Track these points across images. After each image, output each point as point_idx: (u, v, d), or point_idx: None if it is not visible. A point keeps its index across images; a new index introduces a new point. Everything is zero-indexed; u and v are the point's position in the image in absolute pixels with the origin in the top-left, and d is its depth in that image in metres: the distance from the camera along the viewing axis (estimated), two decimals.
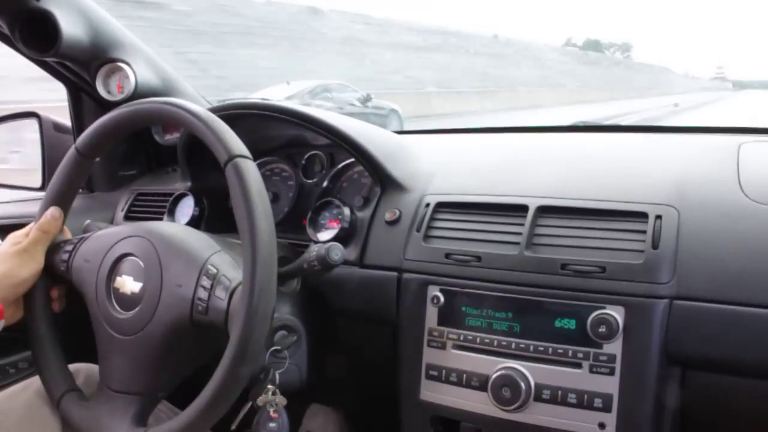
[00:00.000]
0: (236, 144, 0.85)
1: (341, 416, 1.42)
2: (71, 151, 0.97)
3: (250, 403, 0.99)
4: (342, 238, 1.13)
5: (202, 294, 0.84)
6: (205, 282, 0.85)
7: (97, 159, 0.99)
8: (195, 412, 0.79)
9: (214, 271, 0.86)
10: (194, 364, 0.94)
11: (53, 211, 0.97)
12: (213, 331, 0.84)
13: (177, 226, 1.00)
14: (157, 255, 0.89)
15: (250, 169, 0.83)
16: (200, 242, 0.92)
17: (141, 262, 0.90)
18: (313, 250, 0.95)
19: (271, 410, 0.97)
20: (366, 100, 13.23)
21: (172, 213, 1.34)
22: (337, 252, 0.94)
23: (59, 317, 0.98)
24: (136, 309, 0.88)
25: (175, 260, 0.88)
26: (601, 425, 0.91)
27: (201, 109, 0.88)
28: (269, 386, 0.97)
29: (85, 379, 1.00)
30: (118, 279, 0.91)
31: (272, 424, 0.97)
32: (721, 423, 0.95)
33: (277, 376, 0.99)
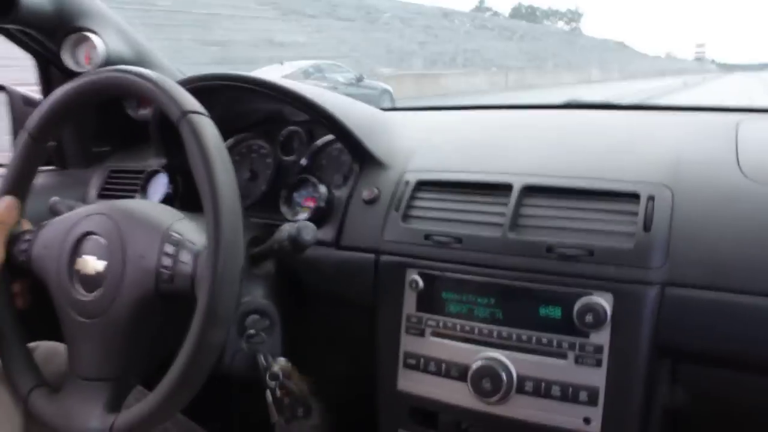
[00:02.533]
0: (189, 100, 0.81)
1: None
2: (22, 135, 0.91)
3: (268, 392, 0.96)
4: (318, 217, 1.08)
5: (167, 261, 0.80)
6: (169, 249, 0.81)
7: (52, 143, 0.94)
8: (168, 385, 0.75)
9: (178, 236, 0.82)
10: (167, 344, 0.88)
11: (9, 200, 0.91)
12: (183, 306, 0.79)
13: (139, 201, 0.98)
14: (119, 230, 0.84)
15: (206, 124, 0.79)
16: (162, 212, 0.88)
17: (102, 240, 0.85)
18: (285, 230, 0.91)
19: (278, 390, 0.95)
20: (359, 80, 14.07)
21: (144, 190, 1.29)
22: (309, 232, 0.90)
23: (24, 315, 0.93)
24: (100, 289, 0.83)
25: (137, 232, 0.84)
26: (587, 420, 0.86)
27: (152, 73, 0.84)
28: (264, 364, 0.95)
29: (45, 357, 0.95)
30: (80, 260, 0.86)
31: (286, 401, 0.95)
32: (713, 419, 0.89)
33: (270, 359, 0.95)
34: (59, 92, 0.89)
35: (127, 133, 1.52)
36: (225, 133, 1.31)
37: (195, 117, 0.79)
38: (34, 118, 0.91)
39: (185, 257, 0.80)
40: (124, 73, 0.84)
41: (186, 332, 0.76)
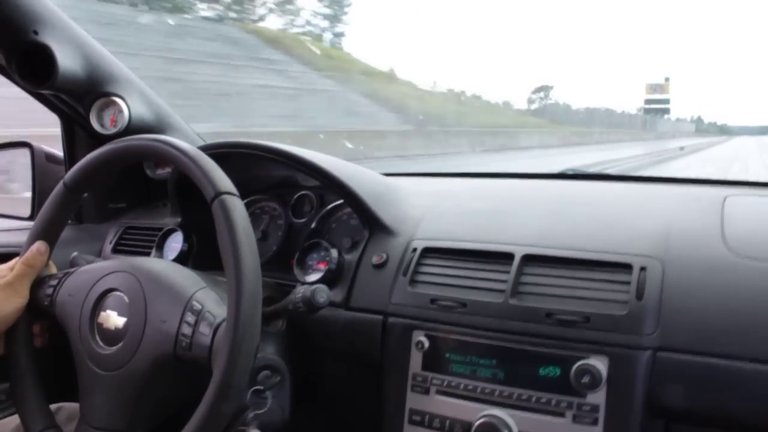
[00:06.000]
0: (223, 181, 0.86)
1: None
2: (59, 186, 0.97)
3: None
4: (329, 279, 1.14)
5: (186, 330, 0.84)
6: (190, 318, 0.85)
7: (86, 195, 1.00)
8: None
9: (199, 307, 0.86)
10: (177, 401, 0.93)
11: (39, 245, 0.96)
12: (196, 368, 0.84)
13: (163, 262, 1.00)
14: (142, 290, 0.89)
15: (237, 206, 0.84)
16: (186, 278, 0.92)
17: (126, 297, 0.90)
18: (299, 292, 0.95)
19: None
20: None
21: (160, 248, 1.34)
22: (323, 294, 0.94)
23: (41, 353, 0.97)
24: (120, 344, 0.87)
25: (160, 296, 0.88)
26: None
27: (189, 147, 0.89)
28: (241, 427, 0.95)
29: (68, 417, 0.98)
30: (102, 314, 0.90)
31: None
32: None
33: (251, 416, 0.96)
34: (102, 150, 0.95)
35: (142, 191, 1.58)
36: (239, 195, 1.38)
37: (228, 198, 0.84)
38: (73, 170, 0.97)
39: (204, 329, 0.84)
40: (165, 145, 0.90)
41: (196, 393, 0.79)
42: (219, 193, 0.84)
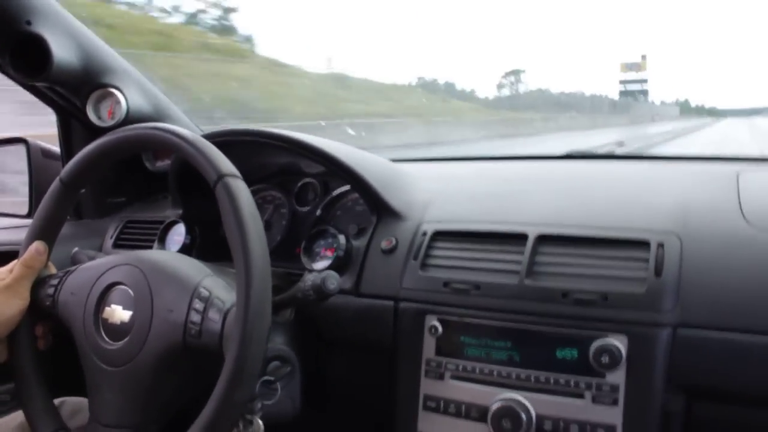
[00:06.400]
0: (225, 164, 0.84)
1: None
2: (56, 182, 0.95)
3: None
4: (337, 266, 1.12)
5: (195, 317, 0.82)
6: (198, 305, 0.83)
7: (83, 190, 0.97)
8: None
9: (207, 293, 0.84)
10: (188, 393, 0.90)
11: (38, 245, 0.94)
12: (207, 357, 0.82)
13: (167, 253, 0.97)
14: (147, 282, 0.87)
15: (241, 188, 0.82)
16: (192, 267, 0.90)
17: (130, 291, 0.87)
18: (308, 279, 0.92)
19: None
20: None
21: (162, 241, 1.32)
22: (333, 281, 0.91)
23: (45, 354, 0.94)
24: (126, 339, 0.85)
25: (166, 286, 0.86)
26: None
27: (189, 132, 0.87)
28: (248, 415, 0.93)
29: (71, 412, 0.96)
30: (107, 309, 0.88)
31: None
32: None
33: (258, 407, 0.94)
34: (98, 142, 0.92)
35: (142, 184, 1.56)
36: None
37: (231, 180, 0.81)
38: (69, 165, 0.94)
39: (214, 315, 0.81)
40: (163, 132, 0.88)
41: (208, 383, 0.77)
42: (222, 176, 0.82)
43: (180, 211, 1.32)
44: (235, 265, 0.78)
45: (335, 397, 1.16)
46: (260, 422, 0.93)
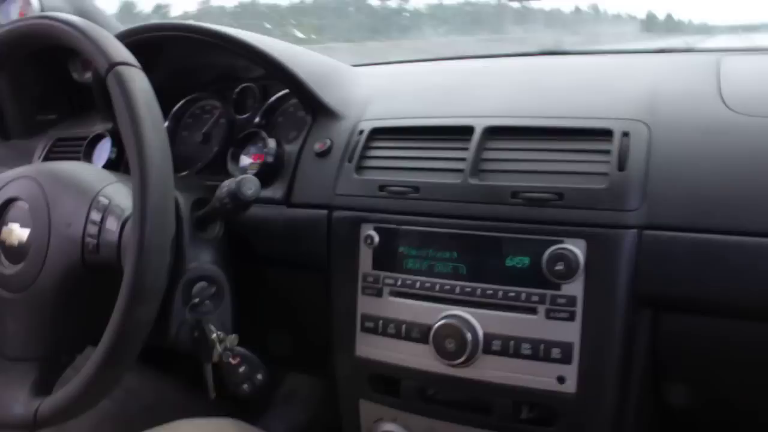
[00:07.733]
0: (119, 50, 0.73)
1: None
2: None
3: (209, 366, 0.89)
4: (267, 174, 1.00)
5: (92, 229, 0.75)
6: (95, 215, 0.75)
7: None
8: (94, 366, 0.69)
9: (106, 201, 0.76)
10: (101, 319, 0.82)
11: None
12: (112, 277, 0.73)
13: (68, 163, 0.88)
14: (44, 194, 0.78)
15: (135, 77, 0.72)
16: (93, 175, 0.82)
17: (27, 205, 0.79)
18: (224, 186, 0.84)
19: (230, 359, 0.87)
20: None
21: (88, 156, 1.22)
22: (250, 186, 0.83)
23: None
24: (25, 260, 0.77)
25: (64, 197, 0.78)
26: (560, 379, 0.77)
27: (78, 19, 0.75)
28: (213, 336, 0.87)
29: None
30: (5, 228, 0.80)
31: (242, 369, 0.87)
32: (698, 372, 0.82)
33: (213, 328, 0.88)
34: None
35: (74, 99, 1.45)
36: (176, 94, 1.23)
37: (124, 69, 0.71)
38: None
39: (111, 224, 0.74)
40: (50, 20, 0.77)
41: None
42: (114, 64, 0.71)
43: (109, 125, 1.21)
44: (130, 165, 0.69)
45: (270, 321, 1.06)
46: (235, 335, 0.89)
